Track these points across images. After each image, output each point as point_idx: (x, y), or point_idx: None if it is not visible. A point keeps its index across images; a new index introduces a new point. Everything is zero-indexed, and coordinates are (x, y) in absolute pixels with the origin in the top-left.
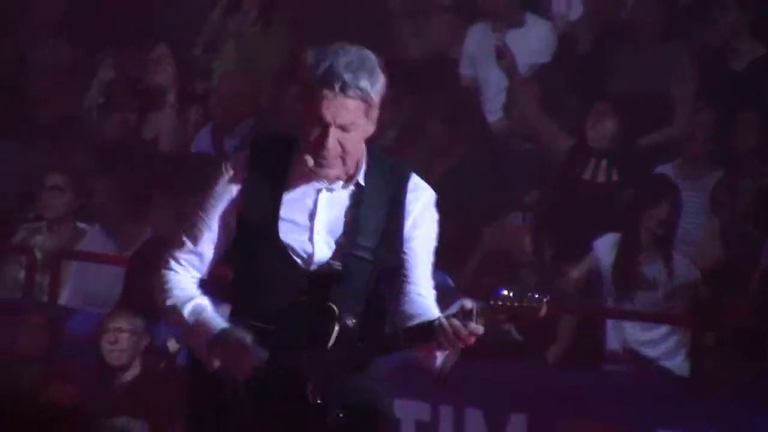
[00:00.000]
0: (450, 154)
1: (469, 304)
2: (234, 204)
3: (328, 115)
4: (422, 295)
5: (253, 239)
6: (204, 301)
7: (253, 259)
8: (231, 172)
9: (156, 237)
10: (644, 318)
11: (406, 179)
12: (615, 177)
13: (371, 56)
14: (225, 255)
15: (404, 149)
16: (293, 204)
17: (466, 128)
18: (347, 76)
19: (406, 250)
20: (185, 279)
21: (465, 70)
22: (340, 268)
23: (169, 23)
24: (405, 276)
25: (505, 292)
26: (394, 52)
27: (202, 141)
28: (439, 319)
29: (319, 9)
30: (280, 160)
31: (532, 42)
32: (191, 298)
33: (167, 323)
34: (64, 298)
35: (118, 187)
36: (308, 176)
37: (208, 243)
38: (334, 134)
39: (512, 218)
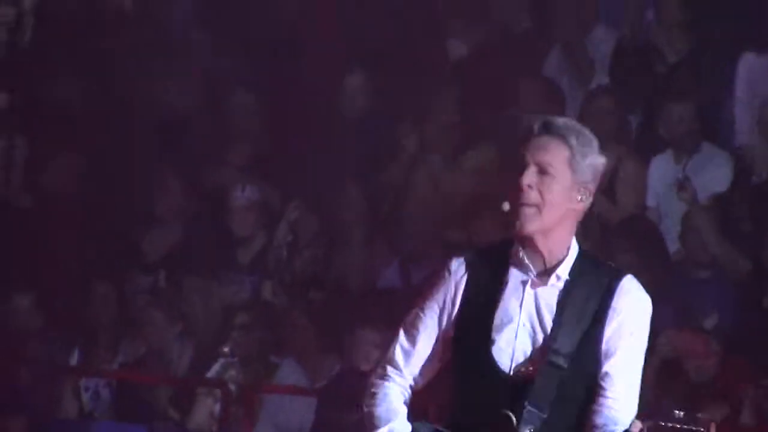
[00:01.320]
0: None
1: (638, 425)
2: (453, 304)
3: (527, 154)
4: (614, 408)
5: (467, 339)
6: (399, 427)
7: (463, 360)
8: (452, 272)
9: (347, 370)
10: None
11: (618, 280)
12: None
13: (589, 131)
14: (442, 360)
15: None
16: (503, 303)
17: (649, 256)
18: (551, 119)
19: (606, 361)
20: (394, 391)
21: (650, 201)
22: (533, 373)
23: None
24: (602, 388)
25: (676, 412)
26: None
27: (391, 275)
28: None
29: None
30: (500, 262)
31: (710, 171)
32: (388, 421)
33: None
34: (258, 430)
35: (309, 321)
36: (519, 271)
37: (425, 344)
38: (531, 171)
39: None
